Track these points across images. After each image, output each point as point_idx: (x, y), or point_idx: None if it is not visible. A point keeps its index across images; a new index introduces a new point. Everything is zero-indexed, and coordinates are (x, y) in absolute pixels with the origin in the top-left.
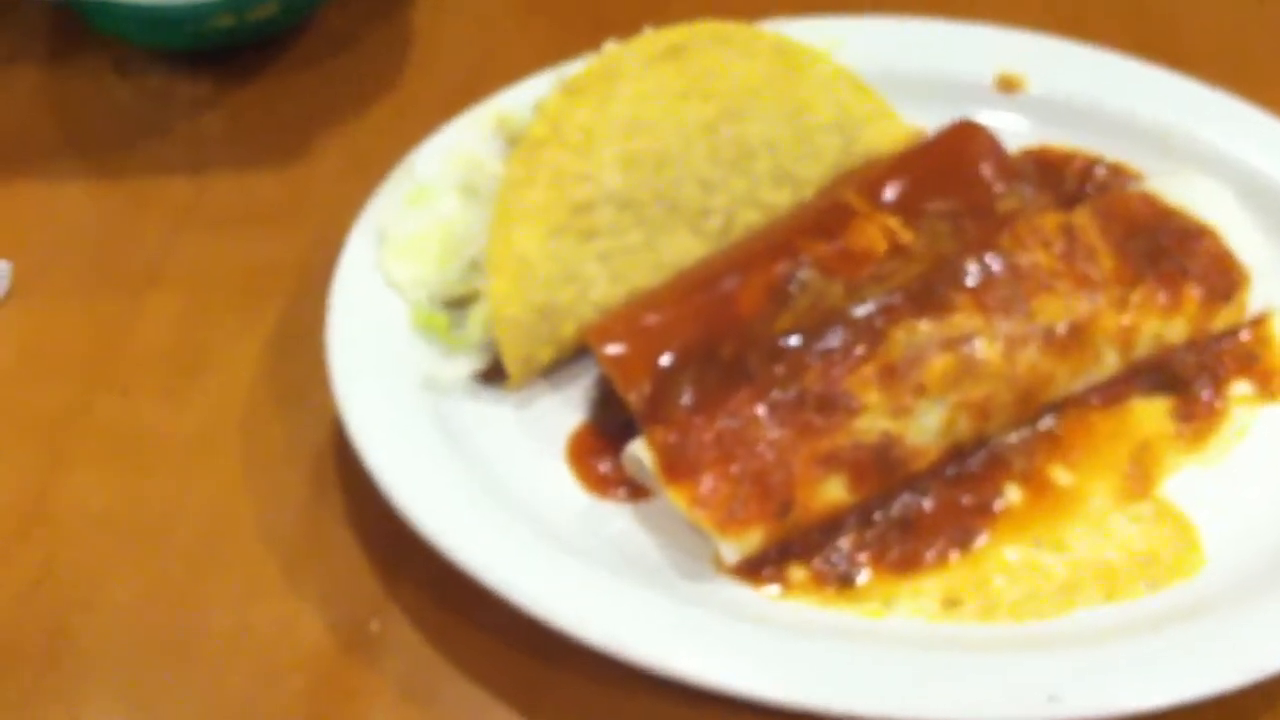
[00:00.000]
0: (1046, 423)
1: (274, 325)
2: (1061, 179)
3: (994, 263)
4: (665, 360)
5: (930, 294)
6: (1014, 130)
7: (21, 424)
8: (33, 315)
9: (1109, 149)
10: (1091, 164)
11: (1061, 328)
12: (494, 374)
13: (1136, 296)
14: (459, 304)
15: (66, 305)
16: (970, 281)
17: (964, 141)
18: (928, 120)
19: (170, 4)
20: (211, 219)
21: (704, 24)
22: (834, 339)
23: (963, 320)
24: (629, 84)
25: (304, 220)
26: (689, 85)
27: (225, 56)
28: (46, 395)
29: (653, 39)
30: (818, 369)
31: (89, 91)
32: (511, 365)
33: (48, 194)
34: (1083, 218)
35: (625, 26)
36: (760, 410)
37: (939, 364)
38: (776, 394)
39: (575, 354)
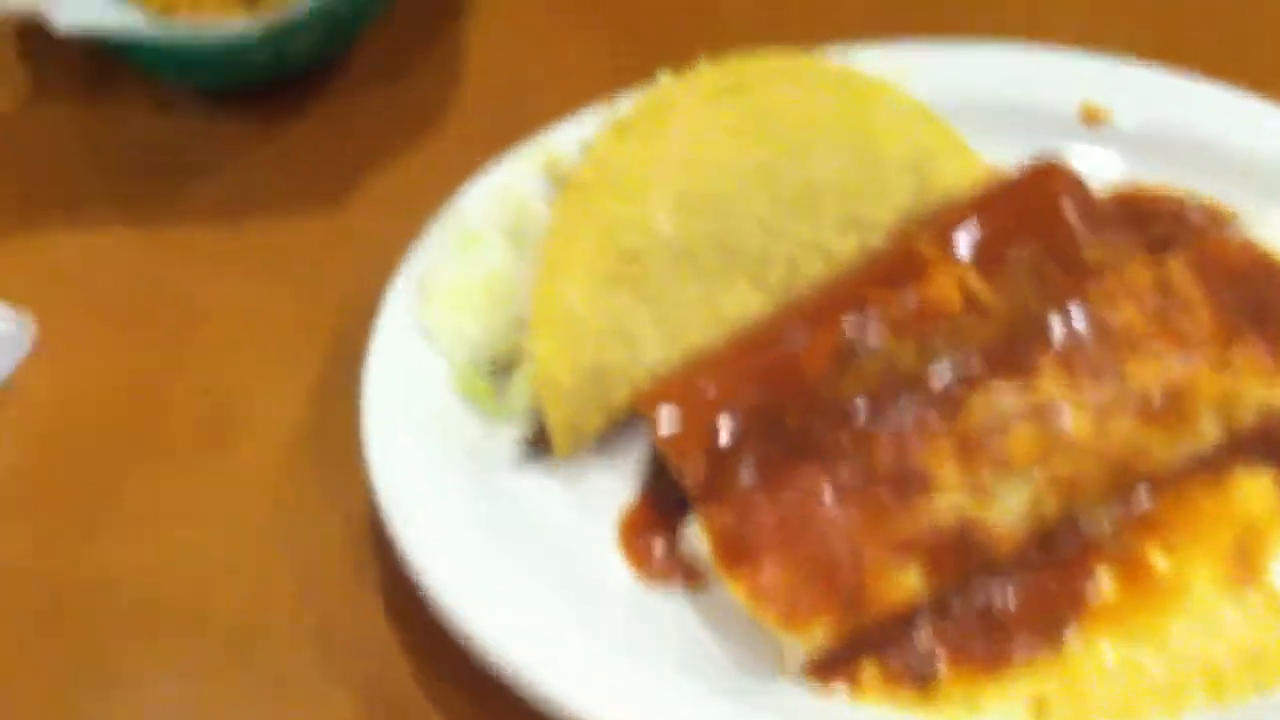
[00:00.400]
0: (1141, 500)
1: (315, 379)
2: (1151, 221)
3: (1081, 321)
4: (723, 432)
5: (1011, 356)
6: (1099, 166)
7: (49, 492)
8: (58, 373)
9: (1203, 187)
10: (1183, 204)
11: (1157, 393)
12: (540, 441)
13: (1239, 357)
14: (504, 366)
15: (94, 362)
16: (1056, 343)
17: (1045, 182)
18: (1006, 155)
19: (205, 40)
20: (250, 265)
21: (763, 57)
22: (906, 407)
23: (1048, 386)
24: (683, 121)
25: (347, 263)
26: (748, 122)
27: (266, 92)
28: (73, 462)
29: (708, 73)
30: (888, 442)
31: (125, 131)
32: (557, 433)
33: (79, 240)
34: (1177, 268)
35: (682, 53)
36: (826, 488)
37: (1022, 436)
38: (844, 470)
39: (628, 420)
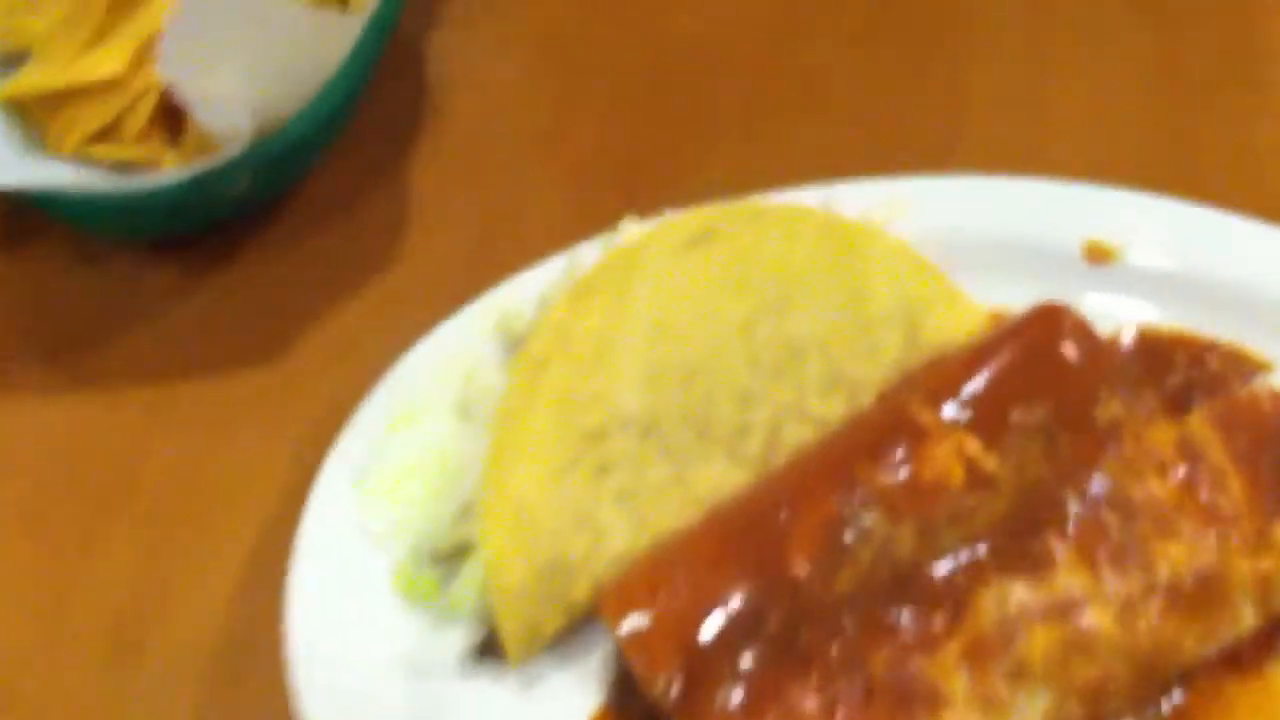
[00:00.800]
0: (1172, 699)
1: (245, 563)
2: (1168, 371)
3: (1099, 497)
4: (697, 636)
5: (1022, 541)
6: (1108, 310)
7: None
8: None
9: (1226, 331)
10: (1203, 351)
11: (1188, 579)
12: (491, 647)
13: (1277, 533)
14: (451, 558)
15: (7, 540)
16: (1072, 526)
17: (1049, 331)
18: (1005, 299)
19: (129, 192)
20: (182, 426)
21: (735, 204)
22: (906, 607)
23: (1066, 579)
24: (649, 280)
25: (285, 424)
26: (722, 275)
27: (199, 238)
28: None
29: (676, 225)
30: (888, 650)
31: (46, 285)
32: (510, 641)
33: None
34: (1202, 429)
35: (652, 194)
36: (817, 708)
37: (1040, 639)
38: (838, 684)
39: (590, 617)
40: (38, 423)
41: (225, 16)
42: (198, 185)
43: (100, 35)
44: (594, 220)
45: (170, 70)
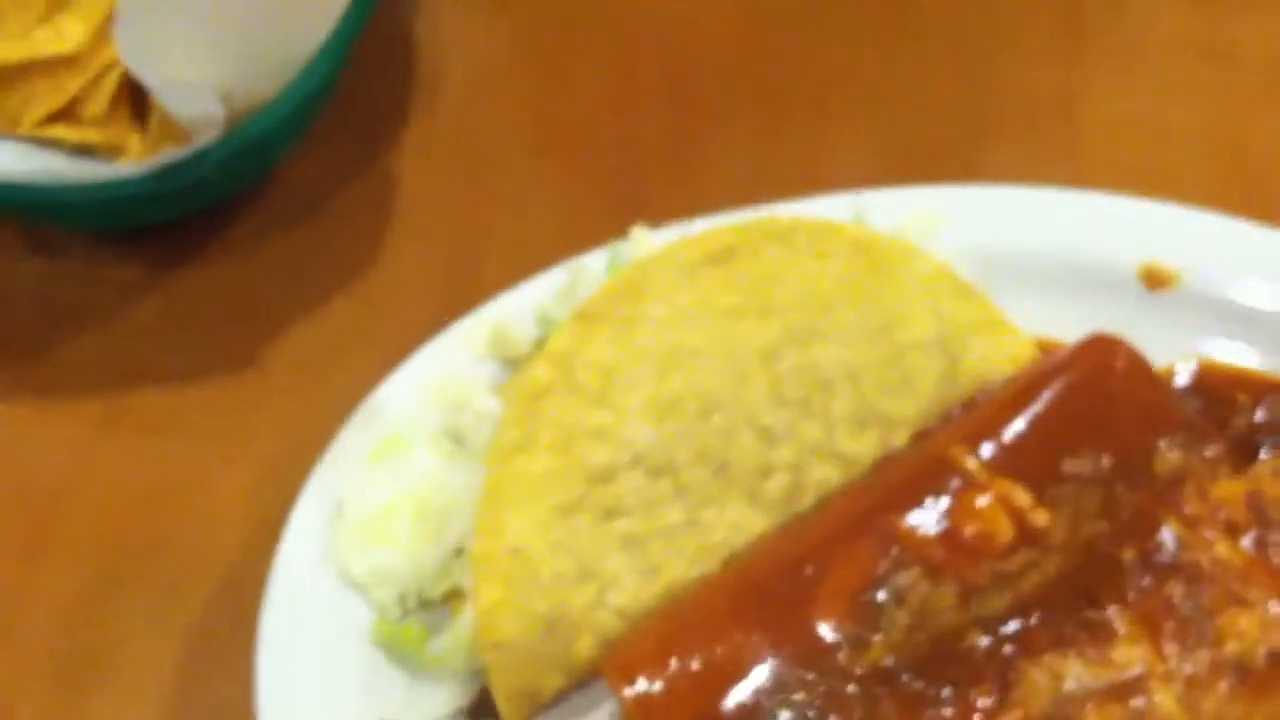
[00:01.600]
0: None
1: (204, 601)
2: (1231, 412)
3: (1163, 562)
4: (713, 705)
5: (1078, 613)
6: (1165, 340)
7: None
8: None
9: None
10: (1268, 391)
11: (1260, 655)
12: (483, 708)
13: None
14: (438, 607)
15: None
16: (1133, 593)
17: (1102, 368)
18: (1053, 326)
19: (89, 184)
20: (137, 438)
21: (756, 218)
22: (948, 683)
23: (1126, 654)
24: (661, 303)
25: (252, 443)
26: (742, 299)
27: (161, 230)
28: None
29: (690, 242)
30: None
31: None
32: (504, 702)
33: None
34: (1273, 483)
35: (662, 200)
36: None
37: None
38: None
39: (593, 677)
40: None
41: None
42: (163, 177)
43: (57, 5)
44: (596, 224)
45: (130, 52)
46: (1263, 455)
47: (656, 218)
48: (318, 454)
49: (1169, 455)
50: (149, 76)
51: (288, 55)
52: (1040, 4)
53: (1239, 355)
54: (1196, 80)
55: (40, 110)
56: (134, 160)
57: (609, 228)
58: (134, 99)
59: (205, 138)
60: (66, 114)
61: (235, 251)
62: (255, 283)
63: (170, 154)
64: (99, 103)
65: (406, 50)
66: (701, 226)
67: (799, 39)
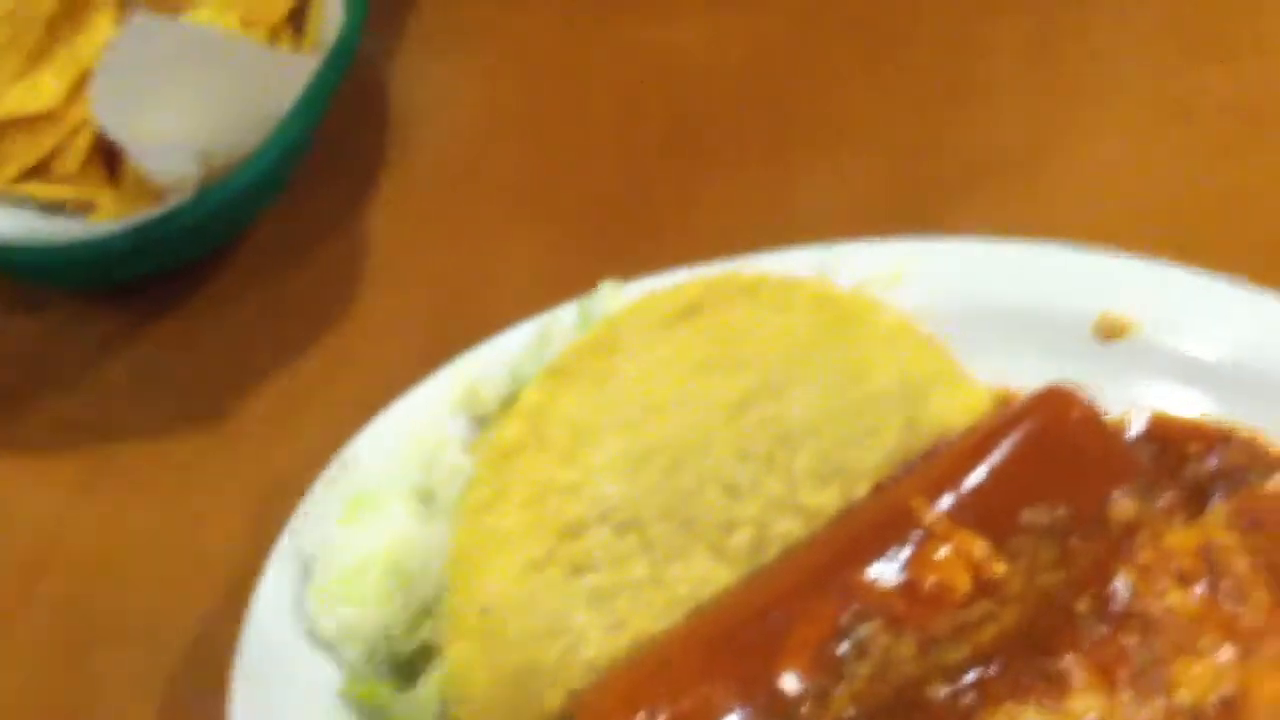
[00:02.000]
0: None
1: (180, 654)
2: (1181, 462)
3: (1118, 611)
4: None
5: (1036, 662)
6: (1121, 392)
7: None
8: None
9: (1251, 416)
10: (1219, 442)
11: (1212, 702)
12: None
13: None
14: (409, 663)
15: None
16: (1089, 642)
17: (1057, 419)
18: (1010, 376)
19: (66, 245)
20: (114, 491)
21: (723, 274)
22: None
23: (1084, 702)
24: (631, 358)
25: (226, 495)
26: (709, 354)
27: (140, 284)
28: None
29: (659, 298)
30: None
31: None
32: None
33: None
34: (1224, 533)
35: (631, 246)
36: None
37: None
38: None
39: None
40: None
41: (164, 54)
42: (138, 236)
43: (35, 61)
44: (569, 275)
45: (104, 111)
46: (1214, 503)
47: (629, 270)
48: (290, 509)
49: (1123, 504)
50: (125, 137)
51: (262, 112)
52: (1007, 56)
53: (1192, 404)
54: (1160, 132)
55: (14, 167)
56: (106, 217)
57: (582, 281)
58: (106, 155)
59: (180, 196)
60: (39, 170)
61: (209, 306)
62: (229, 338)
63: (145, 214)
64: (73, 159)
65: (382, 102)
66: (672, 279)
67: (763, 92)
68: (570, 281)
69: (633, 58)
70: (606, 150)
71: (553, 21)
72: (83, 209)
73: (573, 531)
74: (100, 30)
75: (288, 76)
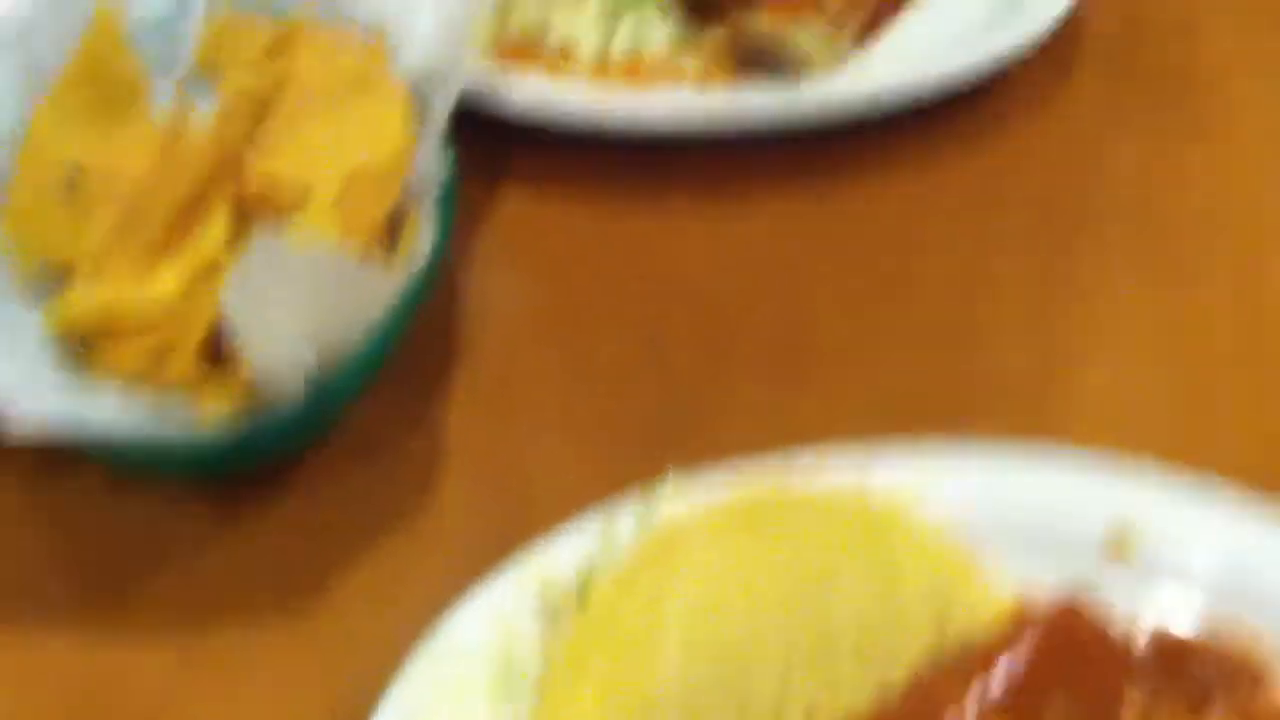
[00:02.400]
0: None
1: None
2: (1184, 666)
3: None
4: None
5: None
6: (1129, 597)
7: None
8: None
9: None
10: (1217, 656)
11: None
12: None
13: None
14: None
15: None
16: None
17: (1071, 632)
18: (1027, 582)
19: (175, 442)
20: (210, 671)
21: (771, 490)
22: None
23: None
24: (693, 561)
25: (315, 680)
26: (764, 560)
27: (234, 478)
28: None
29: (720, 506)
30: None
31: (76, 516)
32: None
33: (15, 642)
34: None
35: (685, 448)
36: None
37: None
38: None
39: None
40: (61, 664)
41: (283, 267)
42: (250, 435)
43: (158, 253)
44: (628, 464)
45: (235, 311)
46: (1216, 710)
47: (681, 460)
48: (371, 701)
49: (1133, 707)
50: (250, 338)
51: (359, 319)
52: (1013, 289)
53: (1196, 609)
54: (1160, 348)
55: (135, 361)
56: (211, 412)
57: (639, 468)
58: (212, 352)
59: (282, 396)
60: (154, 365)
61: (299, 499)
62: (316, 531)
63: (256, 412)
64: (185, 354)
65: (449, 305)
66: (719, 478)
67: (805, 300)
68: (626, 468)
69: (693, 271)
70: (659, 351)
71: (585, 224)
72: (187, 405)
73: (643, 710)
74: (216, 228)
75: (378, 292)
